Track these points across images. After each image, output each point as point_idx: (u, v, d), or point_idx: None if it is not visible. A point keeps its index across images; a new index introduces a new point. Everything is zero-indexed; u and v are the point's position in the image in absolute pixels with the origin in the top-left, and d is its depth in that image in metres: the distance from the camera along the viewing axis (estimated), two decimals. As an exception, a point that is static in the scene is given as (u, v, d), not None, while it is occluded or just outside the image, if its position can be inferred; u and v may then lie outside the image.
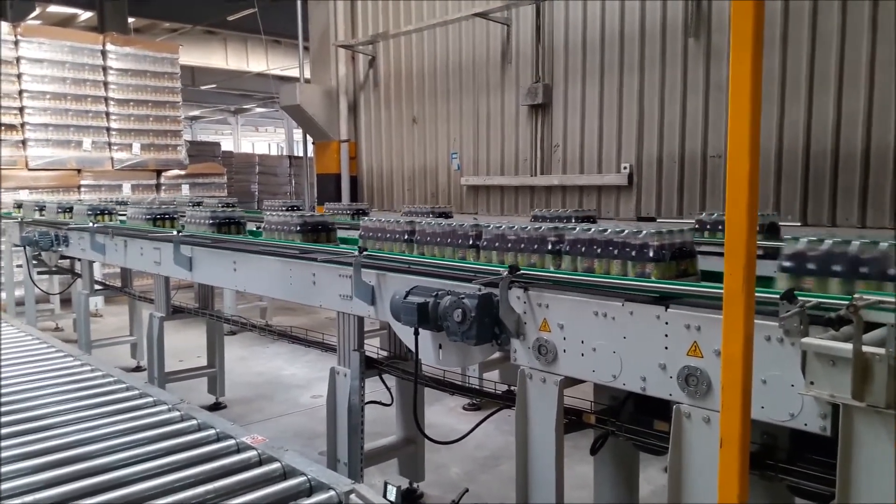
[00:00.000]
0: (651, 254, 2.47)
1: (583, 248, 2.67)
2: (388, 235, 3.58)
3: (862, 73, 5.72)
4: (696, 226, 4.30)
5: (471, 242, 3.17)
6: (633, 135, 7.33)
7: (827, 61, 5.92)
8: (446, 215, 5.36)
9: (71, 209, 6.73)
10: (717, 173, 6.70)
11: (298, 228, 4.07)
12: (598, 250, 2.62)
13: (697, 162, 6.83)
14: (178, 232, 4.63)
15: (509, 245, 2.98)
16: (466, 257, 3.16)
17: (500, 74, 8.60)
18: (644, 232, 2.52)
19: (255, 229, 5.12)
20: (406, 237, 3.50)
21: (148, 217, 5.49)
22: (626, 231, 2.57)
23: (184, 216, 5.19)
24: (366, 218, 3.83)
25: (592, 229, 2.67)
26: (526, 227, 2.94)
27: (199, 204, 6.90)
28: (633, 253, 2.51)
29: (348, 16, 10.52)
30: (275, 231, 4.25)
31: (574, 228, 2.74)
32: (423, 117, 9.74)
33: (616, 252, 2.56)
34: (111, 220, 6.15)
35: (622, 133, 7.44)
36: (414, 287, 2.83)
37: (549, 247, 2.84)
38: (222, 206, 5.65)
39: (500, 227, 3.05)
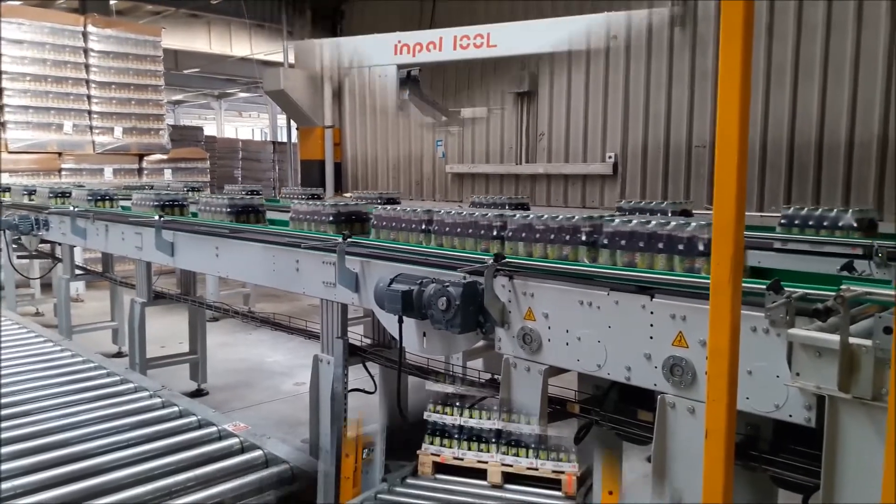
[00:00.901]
0: (701, 247, 2.28)
1: (622, 242, 2.48)
2: (404, 225, 3.40)
3: (846, 67, 5.76)
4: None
5: (495, 234, 2.95)
6: (618, 124, 7.33)
7: (812, 54, 5.94)
8: (394, 201, 5.31)
9: (64, 194, 6.51)
10: (701, 162, 6.72)
11: (332, 219, 3.79)
12: (641, 244, 2.43)
13: (682, 151, 6.85)
14: (160, 217, 4.57)
15: (537, 236, 2.77)
16: (490, 249, 2.93)
17: (487, 62, 8.56)
18: (693, 224, 2.34)
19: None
20: (423, 227, 3.31)
21: (156, 203, 5.12)
22: (672, 223, 2.39)
23: (196, 203, 4.91)
24: (379, 207, 3.70)
25: (633, 221, 2.48)
26: (557, 217, 2.75)
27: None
28: (681, 247, 2.33)
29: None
30: (303, 221, 3.95)
31: (612, 220, 2.56)
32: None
33: (661, 246, 2.38)
34: (112, 207, 5.99)
35: (607, 122, 7.44)
36: (398, 274, 2.81)
37: (584, 238, 2.65)
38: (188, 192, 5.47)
39: (528, 216, 2.85)
